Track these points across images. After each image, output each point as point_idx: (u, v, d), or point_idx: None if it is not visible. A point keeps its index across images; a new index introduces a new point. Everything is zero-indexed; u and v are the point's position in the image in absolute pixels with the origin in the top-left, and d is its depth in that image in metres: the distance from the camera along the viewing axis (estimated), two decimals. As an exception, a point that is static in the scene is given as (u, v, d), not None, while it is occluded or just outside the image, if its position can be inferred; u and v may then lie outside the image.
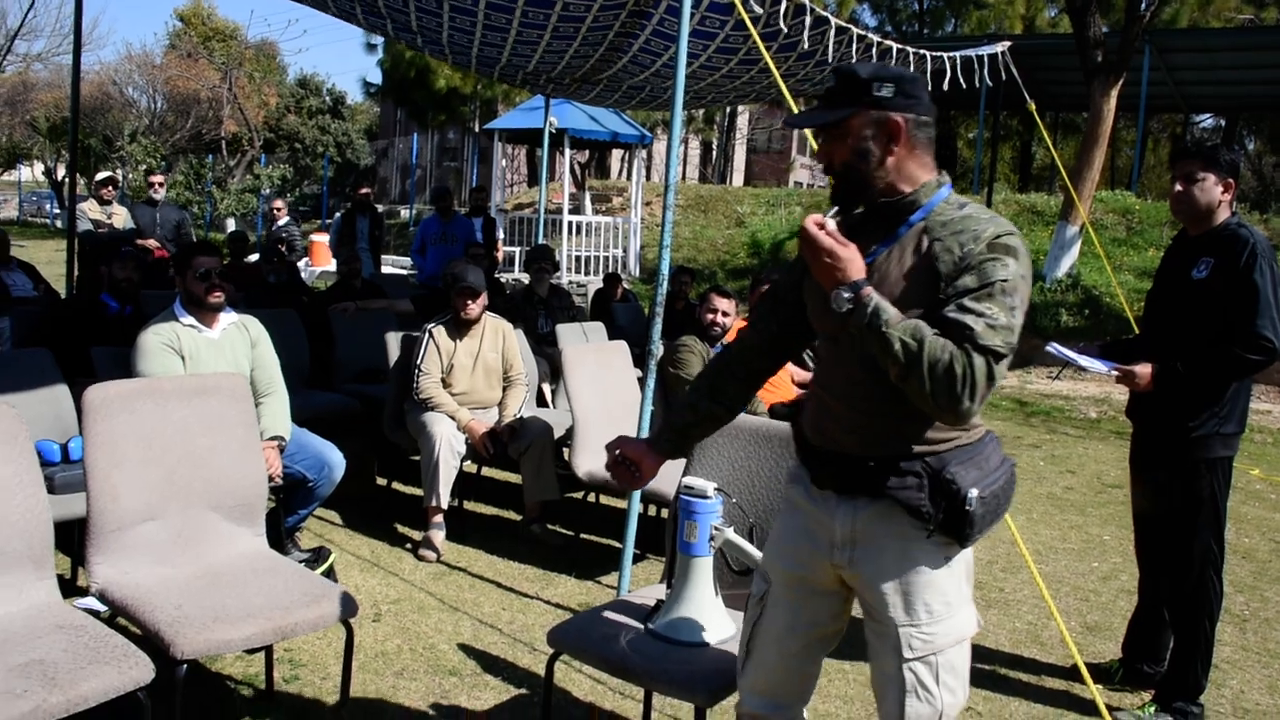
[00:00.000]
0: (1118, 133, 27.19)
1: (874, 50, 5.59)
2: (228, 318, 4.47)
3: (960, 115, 26.74)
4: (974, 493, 1.98)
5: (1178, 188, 3.56)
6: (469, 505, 5.71)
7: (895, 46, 5.75)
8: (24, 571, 2.78)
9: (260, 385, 4.47)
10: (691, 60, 6.25)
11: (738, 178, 37.17)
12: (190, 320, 4.34)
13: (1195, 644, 3.56)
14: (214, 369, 4.29)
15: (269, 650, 3.42)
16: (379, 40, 24.56)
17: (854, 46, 5.38)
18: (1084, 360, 3.75)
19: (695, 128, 31.52)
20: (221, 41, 32.61)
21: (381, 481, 6.14)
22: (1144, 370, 3.51)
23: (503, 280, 11.85)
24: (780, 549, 2.28)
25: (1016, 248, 1.96)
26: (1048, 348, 3.91)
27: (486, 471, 6.16)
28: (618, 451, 2.42)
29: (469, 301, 5.17)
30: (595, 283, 13.91)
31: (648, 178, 31.82)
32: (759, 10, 4.62)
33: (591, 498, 5.90)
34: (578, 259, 16.84)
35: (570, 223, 16.88)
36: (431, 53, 7.51)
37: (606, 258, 16.96)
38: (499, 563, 4.86)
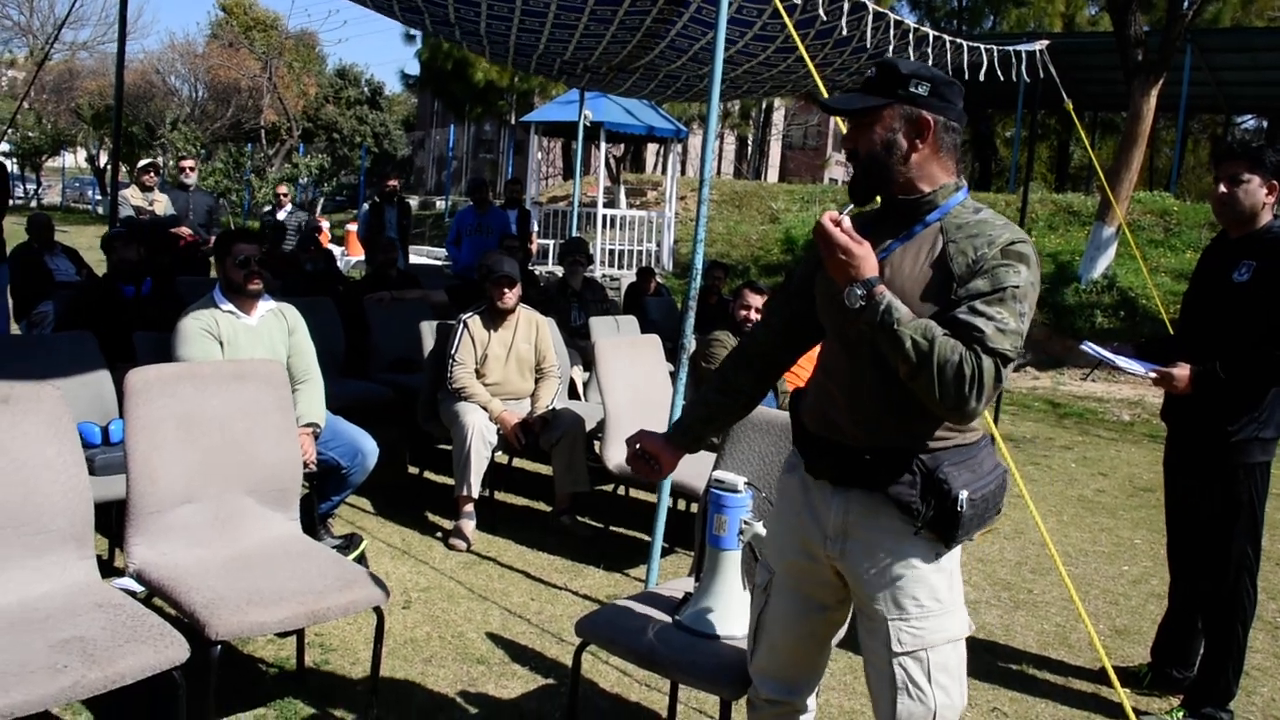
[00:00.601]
0: (1157, 133, 26.87)
1: (911, 37, 5.56)
2: (266, 305, 4.52)
3: (998, 114, 26.53)
4: (965, 494, 2.01)
5: (1221, 189, 3.52)
6: (500, 496, 5.74)
7: (932, 34, 5.72)
8: (66, 550, 2.84)
9: (296, 372, 4.53)
10: (728, 47, 6.25)
11: (772, 174, 37.08)
12: (229, 306, 4.40)
13: (1228, 650, 3.53)
14: (252, 355, 4.34)
15: (300, 634, 3.46)
16: (417, 32, 24.68)
17: (891, 33, 5.36)
18: (1120, 360, 3.72)
19: (731, 123, 31.46)
20: (262, 31, 32.87)
21: (414, 470, 6.18)
22: (1182, 372, 3.47)
23: (536, 273, 11.90)
24: (779, 538, 2.32)
25: (1028, 255, 1.99)
26: (1082, 346, 3.89)
27: (517, 462, 6.18)
28: (638, 445, 2.46)
29: (505, 291, 5.20)
30: (629, 276, 13.92)
31: (683, 172, 31.81)
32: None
33: (621, 490, 5.93)
34: (611, 253, 16.87)
35: (604, 216, 16.91)
36: (469, 45, 7.55)
37: (640, 252, 16.98)
38: (528, 553, 4.90)
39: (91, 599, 2.74)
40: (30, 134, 37.27)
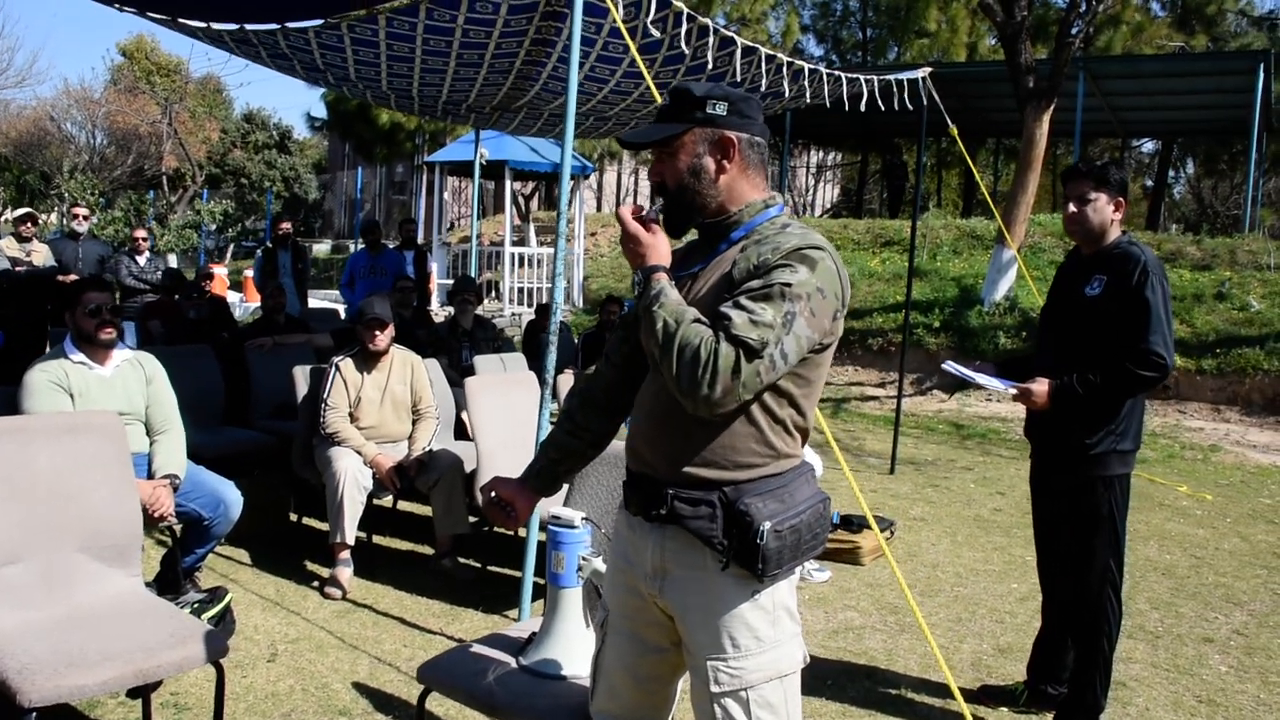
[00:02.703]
0: (1057, 158, 27.64)
1: (785, 70, 5.59)
2: (121, 354, 4.37)
3: (906, 142, 27.05)
4: (767, 525, 1.94)
5: (1071, 208, 3.58)
6: (382, 540, 5.61)
7: (808, 67, 5.76)
8: None
9: (155, 422, 4.37)
10: (599, 85, 6.24)
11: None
12: (80, 357, 4.23)
13: (1094, 664, 3.55)
14: (105, 407, 4.17)
15: (145, 695, 3.29)
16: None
17: (763, 67, 5.37)
18: (981, 378, 3.74)
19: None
20: (164, 76, 32.30)
21: (295, 518, 6.00)
22: (1040, 388, 3.50)
23: (433, 313, 11.77)
24: (612, 576, 2.24)
25: (816, 260, 1.93)
26: (944, 365, 3.91)
27: (402, 505, 6.05)
28: (492, 493, 2.36)
29: (376, 333, 5.10)
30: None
31: (598, 209, 31.93)
32: (656, 34, 4.62)
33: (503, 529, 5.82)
34: (521, 290, 16.78)
35: (513, 254, 16.84)
36: (352, 92, 7.46)
37: (550, 288, 16.89)
38: (406, 598, 4.76)
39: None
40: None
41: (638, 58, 4.04)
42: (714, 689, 2.00)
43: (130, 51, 33.79)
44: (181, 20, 5.36)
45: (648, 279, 1.93)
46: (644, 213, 2.01)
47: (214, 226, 27.82)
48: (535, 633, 2.75)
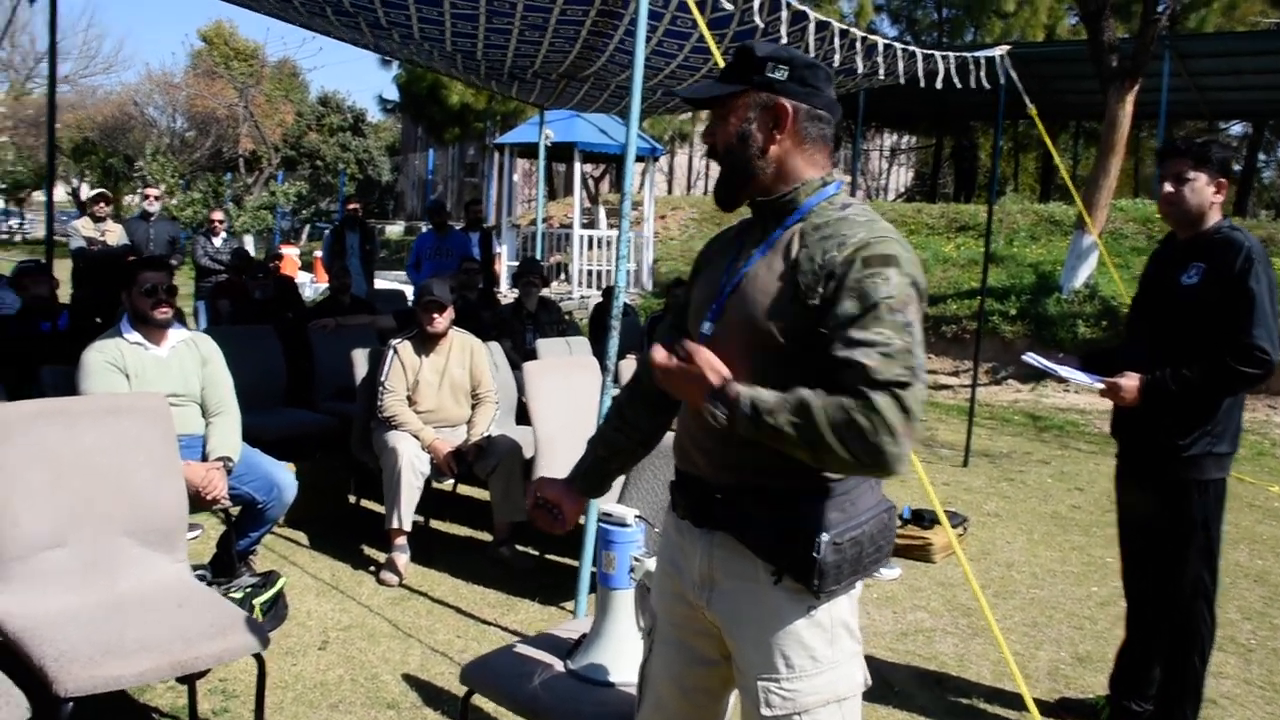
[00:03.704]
0: (1140, 141, 26.78)
1: (859, 45, 5.36)
2: (177, 335, 4.32)
3: (981, 125, 26.42)
4: (825, 537, 1.77)
5: (1167, 188, 3.32)
6: (441, 525, 5.53)
7: (882, 42, 5.52)
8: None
9: (210, 404, 4.32)
10: (666, 60, 6.06)
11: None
12: (136, 338, 4.19)
13: (1184, 682, 3.31)
14: (161, 388, 4.13)
15: (191, 683, 3.23)
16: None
17: (836, 43, 5.16)
18: (1064, 371, 3.52)
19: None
20: (242, 61, 32.78)
21: (354, 500, 5.95)
22: (1130, 383, 3.27)
23: (501, 295, 11.72)
24: (659, 582, 2.09)
25: (895, 255, 1.73)
26: (1024, 357, 3.69)
27: (462, 489, 5.97)
28: (539, 494, 2.21)
29: (434, 315, 5.00)
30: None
31: (669, 191, 31.71)
32: (729, 8, 4.43)
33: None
34: (590, 273, 16.69)
35: (582, 237, 16.74)
36: (415, 53, 7.38)
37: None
38: (462, 586, 4.67)
39: (-68, 657, 2.52)
40: (11, 168, 37.15)
41: (706, 32, 3.86)
42: (765, 712, 1.83)
43: (210, 37, 34.35)
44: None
45: (729, 403, 1.71)
46: (677, 348, 1.81)
47: (288, 208, 28.18)
48: (585, 635, 2.62)
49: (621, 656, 2.48)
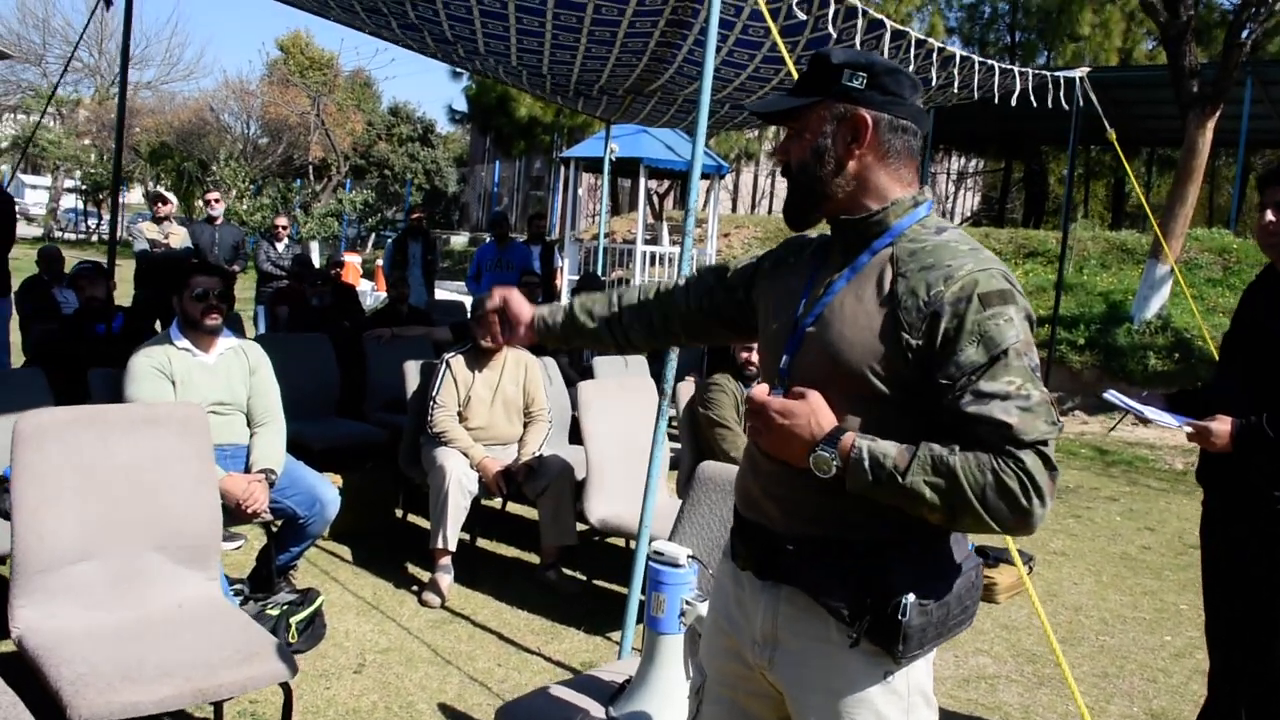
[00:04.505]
0: (1217, 169, 26.07)
1: (935, 56, 5.15)
2: (226, 342, 4.24)
3: (1051, 150, 25.92)
4: (911, 598, 1.58)
5: (1269, 217, 3.07)
6: (489, 544, 5.40)
7: (959, 53, 5.30)
8: (-67, 615, 2.54)
9: (256, 414, 4.24)
10: (736, 70, 5.90)
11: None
12: (185, 343, 4.12)
13: (1275, 749, 3.06)
14: (207, 395, 4.06)
15: (219, 705, 3.11)
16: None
17: (912, 52, 4.96)
18: (1149, 411, 3.29)
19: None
20: (316, 70, 33.25)
21: (401, 514, 5.84)
22: (1222, 427, 3.02)
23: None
24: (711, 638, 1.90)
25: (1010, 290, 1.57)
26: (1105, 394, 3.45)
27: (512, 507, 5.84)
28: (505, 299, 2.10)
29: (489, 330, 4.87)
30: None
31: (733, 209, 31.51)
32: (801, 16, 4.27)
33: (620, 540, 5.54)
34: (651, 289, 16.54)
35: (644, 253, 16.62)
36: (482, 67, 7.31)
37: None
38: (505, 611, 4.52)
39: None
40: (92, 170, 37.99)
41: (779, 40, 3.70)
42: None
43: (287, 46, 34.89)
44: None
45: (840, 449, 1.56)
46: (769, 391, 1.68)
47: (354, 215, 28.46)
48: (629, 679, 2.45)
49: (667, 707, 2.31)
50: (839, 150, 1.68)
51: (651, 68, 6.19)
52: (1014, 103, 6.02)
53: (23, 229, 33.82)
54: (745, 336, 2.00)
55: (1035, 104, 6.12)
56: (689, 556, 2.29)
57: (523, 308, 2.10)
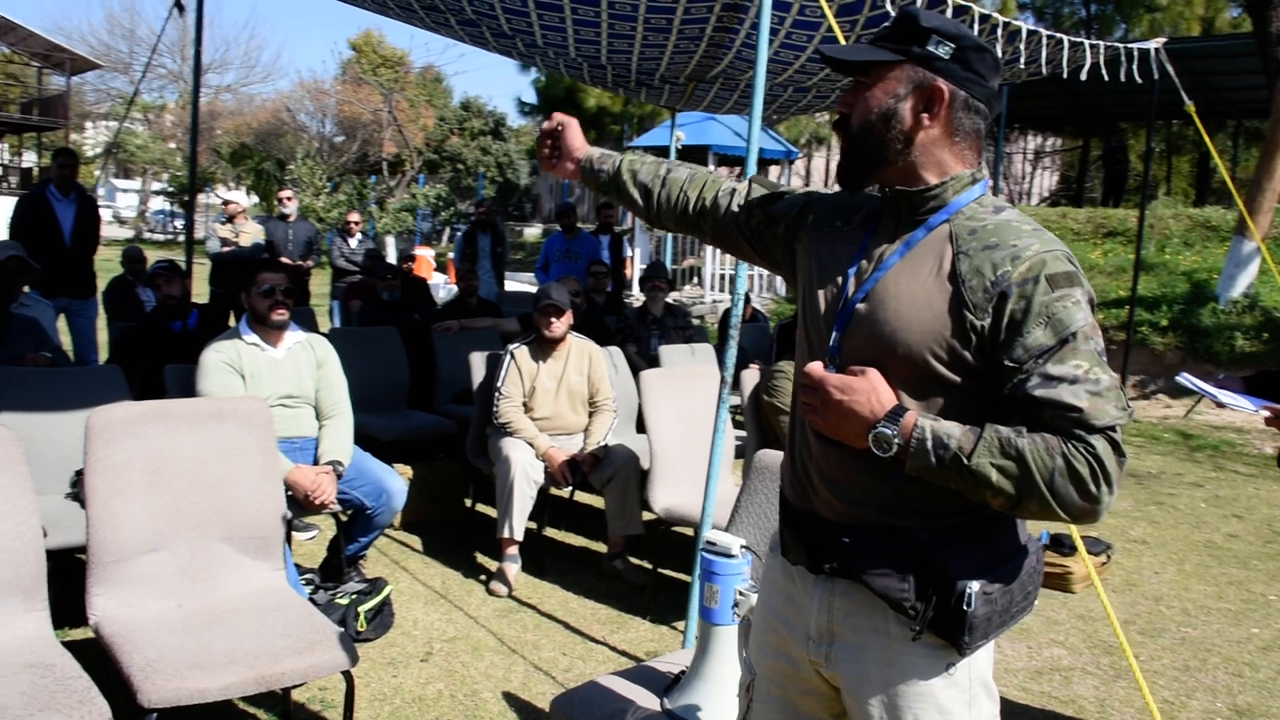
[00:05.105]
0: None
1: (1000, 32, 5.01)
2: (294, 336, 4.32)
3: (1131, 126, 25.21)
4: (975, 587, 1.54)
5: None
6: (556, 533, 5.43)
7: (1025, 27, 5.12)
8: (11, 602, 2.62)
9: (324, 407, 4.30)
10: (795, 53, 5.81)
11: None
12: (254, 338, 4.20)
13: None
14: (275, 389, 4.14)
15: (287, 691, 3.17)
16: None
17: (976, 28, 4.81)
18: (1225, 395, 3.18)
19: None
20: (389, 68, 33.69)
21: (469, 504, 5.90)
22: (1302, 411, 2.92)
23: (634, 299, 11.64)
24: (760, 636, 1.85)
25: (1075, 271, 1.53)
26: (1178, 378, 3.35)
27: (580, 497, 5.86)
28: (559, 124, 2.08)
29: (552, 319, 4.90)
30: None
31: (802, 195, 31.21)
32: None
33: (688, 529, 5.53)
34: (723, 277, 16.49)
35: (713, 241, 16.54)
36: (543, 61, 7.33)
37: (752, 276, 16.55)
38: (572, 600, 4.54)
39: (26, 658, 2.50)
40: (179, 173, 39.01)
41: (832, 22, 3.63)
42: None
43: (359, 45, 35.39)
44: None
45: (903, 430, 1.52)
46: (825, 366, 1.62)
47: (428, 210, 28.79)
48: (684, 671, 2.44)
49: (722, 699, 2.30)
50: (908, 117, 1.61)
51: (710, 54, 6.14)
52: (1084, 77, 5.84)
53: (115, 231, 34.97)
54: (767, 265, 1.95)
55: (1106, 78, 5.93)
56: (742, 546, 2.27)
57: (576, 141, 2.07)
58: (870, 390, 1.55)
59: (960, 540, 1.58)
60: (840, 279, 1.69)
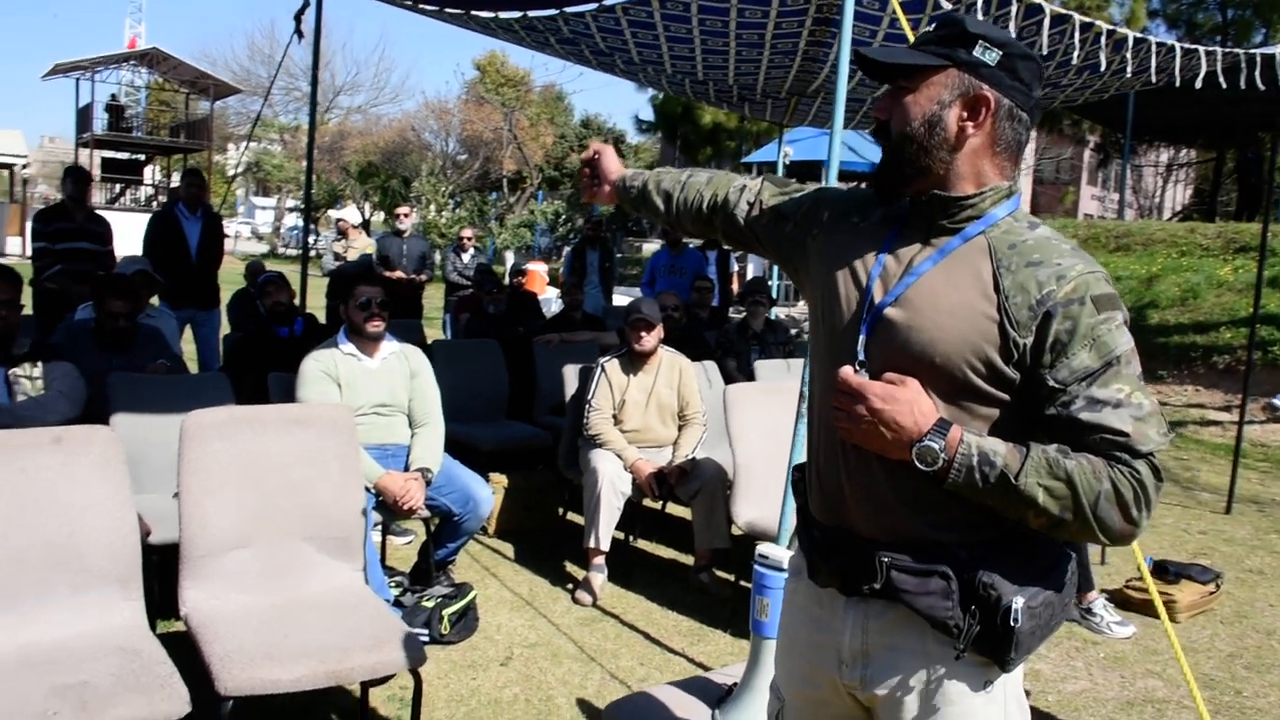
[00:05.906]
0: None
1: (1104, 40, 4.85)
2: (389, 347, 4.47)
3: (1270, 136, 24.06)
4: (1019, 602, 1.50)
5: None
6: (646, 544, 5.47)
7: (1132, 35, 4.94)
8: (109, 591, 2.79)
9: (416, 415, 4.44)
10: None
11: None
12: (350, 348, 4.36)
13: None
14: (370, 398, 4.30)
15: (366, 686, 3.28)
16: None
17: (1077, 37, 4.69)
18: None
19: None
20: (511, 88, 34.44)
21: (561, 513, 6.00)
22: None
23: (739, 314, 11.62)
24: (786, 662, 1.83)
25: (1115, 295, 1.51)
26: (1275, 400, 3.21)
27: (671, 509, 5.89)
28: (595, 153, 2.14)
29: (642, 333, 4.96)
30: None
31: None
32: (947, 5, 4.14)
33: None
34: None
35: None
36: (644, 79, 7.42)
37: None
38: (655, 611, 4.58)
39: (118, 642, 2.66)
40: (312, 191, 40.57)
41: (906, 27, 3.61)
42: None
43: (483, 65, 36.28)
44: (474, 13, 5.47)
45: (949, 444, 1.48)
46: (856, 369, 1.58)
47: (546, 226, 29.29)
48: (738, 683, 2.45)
49: (768, 708, 2.30)
50: (953, 125, 1.57)
51: (806, 68, 6.13)
52: (1199, 85, 5.63)
53: (252, 246, 36.53)
54: (779, 262, 1.93)
55: (1224, 86, 5.69)
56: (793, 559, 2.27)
57: (612, 165, 2.12)
58: (913, 400, 1.51)
59: (1002, 554, 1.55)
60: (864, 279, 1.65)
